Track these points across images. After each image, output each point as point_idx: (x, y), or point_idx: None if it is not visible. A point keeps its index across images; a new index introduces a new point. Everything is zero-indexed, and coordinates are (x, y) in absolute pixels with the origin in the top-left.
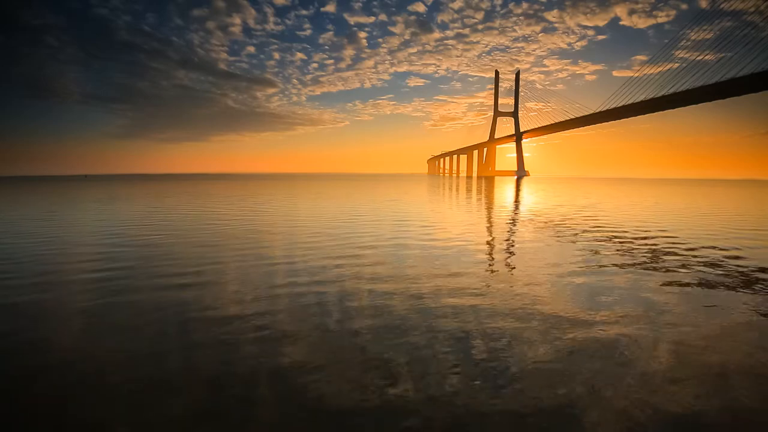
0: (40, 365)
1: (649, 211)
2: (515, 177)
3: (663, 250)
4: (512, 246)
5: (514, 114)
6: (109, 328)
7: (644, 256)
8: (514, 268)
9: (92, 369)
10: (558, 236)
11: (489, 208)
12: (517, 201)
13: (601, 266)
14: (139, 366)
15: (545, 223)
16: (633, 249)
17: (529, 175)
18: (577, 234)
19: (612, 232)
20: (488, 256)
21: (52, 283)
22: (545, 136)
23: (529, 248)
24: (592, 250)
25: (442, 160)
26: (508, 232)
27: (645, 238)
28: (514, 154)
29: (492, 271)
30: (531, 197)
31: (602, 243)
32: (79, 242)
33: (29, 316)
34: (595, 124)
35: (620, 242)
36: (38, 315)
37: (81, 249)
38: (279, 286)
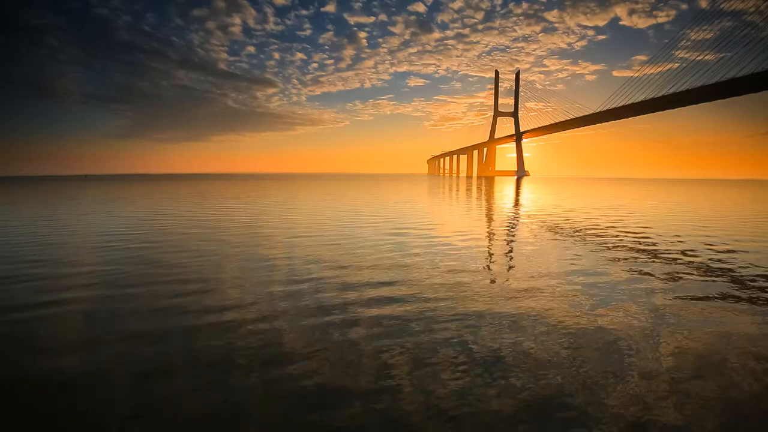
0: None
1: (677, 213)
2: (515, 177)
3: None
4: (602, 275)
5: (514, 114)
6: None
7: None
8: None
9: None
10: (624, 254)
11: (519, 214)
12: (540, 205)
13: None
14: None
15: (589, 230)
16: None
17: (529, 175)
18: (645, 253)
19: (675, 245)
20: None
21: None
22: (545, 136)
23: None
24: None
25: (442, 160)
26: (577, 252)
27: (714, 254)
28: (514, 154)
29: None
30: (549, 199)
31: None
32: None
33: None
34: (595, 124)
35: (693, 261)
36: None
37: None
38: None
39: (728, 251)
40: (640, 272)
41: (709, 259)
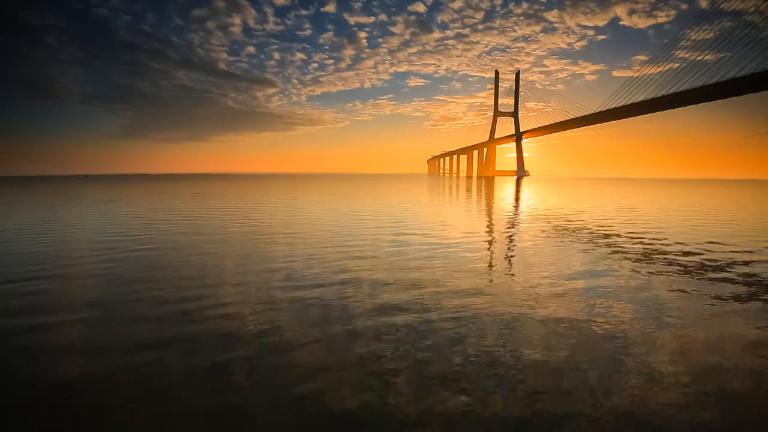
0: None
1: (688, 216)
2: (515, 177)
3: None
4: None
5: (514, 114)
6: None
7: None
8: None
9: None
10: (651, 266)
11: (526, 218)
12: (547, 206)
13: None
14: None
15: (602, 235)
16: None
17: (529, 175)
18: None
19: (703, 255)
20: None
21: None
22: (545, 136)
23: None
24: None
25: (442, 160)
26: (598, 262)
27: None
28: (514, 154)
29: None
30: (553, 200)
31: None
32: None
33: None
34: (595, 124)
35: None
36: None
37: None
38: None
39: (761, 261)
40: (677, 289)
41: (746, 273)
